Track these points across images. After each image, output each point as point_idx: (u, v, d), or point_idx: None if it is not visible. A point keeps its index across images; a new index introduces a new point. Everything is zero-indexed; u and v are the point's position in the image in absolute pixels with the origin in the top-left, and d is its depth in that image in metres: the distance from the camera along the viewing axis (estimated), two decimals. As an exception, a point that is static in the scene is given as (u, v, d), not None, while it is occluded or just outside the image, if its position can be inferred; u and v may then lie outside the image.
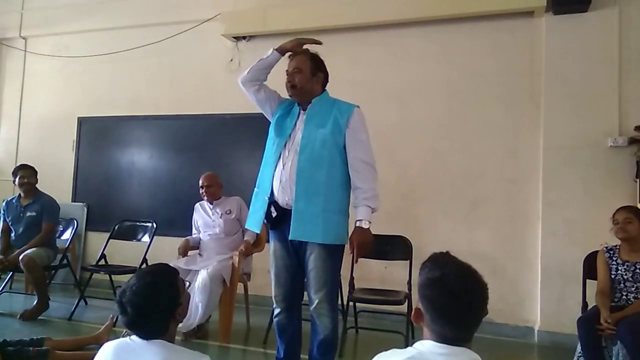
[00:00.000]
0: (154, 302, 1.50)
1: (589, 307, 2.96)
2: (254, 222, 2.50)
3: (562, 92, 4.03)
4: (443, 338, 1.21)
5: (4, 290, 4.64)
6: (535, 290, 4.01)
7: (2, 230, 4.37)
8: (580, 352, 2.76)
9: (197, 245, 4.01)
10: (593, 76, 3.96)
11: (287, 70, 2.51)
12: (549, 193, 4.00)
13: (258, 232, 2.53)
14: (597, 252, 3.03)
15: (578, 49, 4.01)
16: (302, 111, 2.50)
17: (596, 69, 3.96)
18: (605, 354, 2.70)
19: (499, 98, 4.27)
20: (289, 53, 2.52)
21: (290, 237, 2.34)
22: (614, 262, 2.90)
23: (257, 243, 3.93)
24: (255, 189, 2.54)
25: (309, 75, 2.48)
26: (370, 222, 2.35)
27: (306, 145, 2.37)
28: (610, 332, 2.61)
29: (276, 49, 2.48)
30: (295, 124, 2.47)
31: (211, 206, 4.01)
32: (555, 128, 4.02)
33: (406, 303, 3.42)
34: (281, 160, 2.41)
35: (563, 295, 3.83)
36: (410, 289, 3.48)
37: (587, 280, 3.11)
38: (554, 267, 3.91)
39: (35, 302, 4.07)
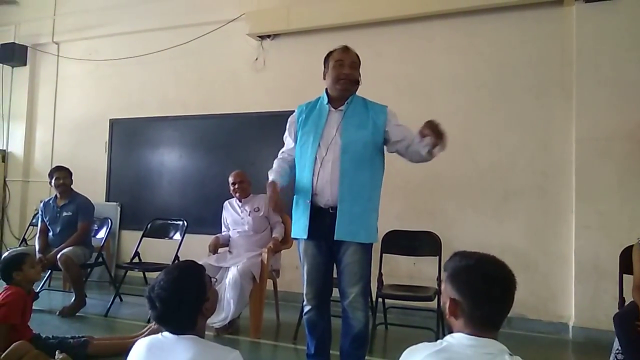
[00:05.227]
0: (181, 296, 1.53)
1: (626, 303, 2.88)
2: (300, 229, 2.45)
3: (594, 82, 3.91)
4: (481, 323, 1.25)
5: (43, 288, 4.80)
6: (569, 285, 3.91)
7: (40, 230, 4.52)
8: (618, 349, 2.68)
9: (226, 243, 4.07)
10: (626, 65, 3.83)
11: (340, 60, 2.44)
12: (583, 185, 3.89)
13: (305, 238, 2.44)
14: (633, 245, 2.93)
15: (610, 37, 3.88)
16: (332, 109, 2.48)
17: (629, 57, 3.82)
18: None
19: (529, 89, 4.18)
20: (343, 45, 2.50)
21: (335, 238, 2.34)
22: (650, 257, 2.80)
23: (286, 240, 3.96)
24: (295, 196, 2.52)
25: (359, 72, 2.50)
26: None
27: (348, 146, 2.37)
28: (649, 328, 2.53)
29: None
30: (326, 122, 2.45)
31: (240, 204, 4.06)
32: (588, 119, 3.91)
33: (436, 299, 3.39)
34: (318, 160, 2.39)
35: (598, 290, 3.73)
36: (439, 284, 3.44)
37: (624, 275, 3.02)
38: (588, 261, 3.81)
39: (73, 299, 4.21)
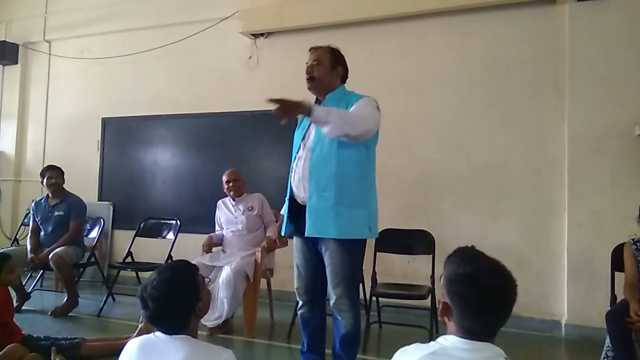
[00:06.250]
0: (173, 296, 1.53)
1: (618, 301, 2.90)
2: (282, 225, 2.60)
3: (587, 80, 3.92)
4: (471, 333, 1.20)
5: (35, 288, 4.77)
6: (562, 283, 3.93)
7: (31, 230, 4.49)
8: (609, 346, 2.70)
9: (220, 242, 4.06)
10: (619, 63, 3.85)
11: (306, 63, 2.50)
12: (575, 184, 3.91)
13: (282, 234, 2.61)
14: (624, 244, 2.95)
15: (603, 35, 3.90)
16: None
17: (622, 55, 3.84)
18: (636, 347, 2.64)
19: (522, 88, 4.19)
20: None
21: (306, 235, 2.36)
22: (642, 255, 2.82)
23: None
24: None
25: (328, 68, 2.48)
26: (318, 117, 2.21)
27: (317, 143, 2.40)
28: (640, 325, 2.55)
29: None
30: (311, 122, 2.46)
31: (233, 203, 4.05)
32: (580, 117, 3.93)
33: (429, 297, 3.40)
34: (296, 159, 2.48)
35: (591, 288, 3.75)
36: (433, 283, 3.46)
37: (616, 273, 3.04)
38: (581, 259, 3.83)
39: (65, 299, 4.18)
